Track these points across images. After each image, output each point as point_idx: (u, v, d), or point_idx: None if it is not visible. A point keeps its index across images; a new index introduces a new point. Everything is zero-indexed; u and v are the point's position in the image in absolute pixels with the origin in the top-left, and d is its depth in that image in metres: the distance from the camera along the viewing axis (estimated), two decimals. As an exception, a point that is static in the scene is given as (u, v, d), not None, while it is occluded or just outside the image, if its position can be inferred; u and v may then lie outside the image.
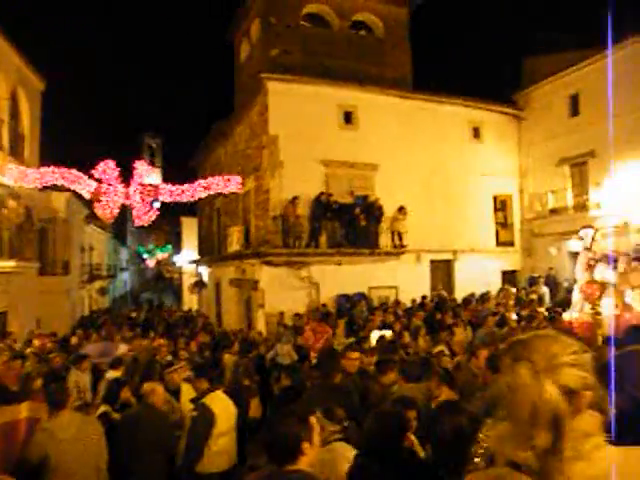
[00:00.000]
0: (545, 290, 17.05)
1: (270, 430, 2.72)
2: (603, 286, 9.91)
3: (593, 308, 9.80)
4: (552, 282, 18.00)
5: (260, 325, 16.50)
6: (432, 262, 19.20)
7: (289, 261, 16.72)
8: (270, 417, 5.86)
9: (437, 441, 2.80)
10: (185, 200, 16.36)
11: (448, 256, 19.53)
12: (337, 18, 20.29)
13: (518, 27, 36.98)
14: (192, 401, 5.71)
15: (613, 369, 1.99)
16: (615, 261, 10.74)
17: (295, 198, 16.46)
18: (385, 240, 17.76)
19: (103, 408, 6.27)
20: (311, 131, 17.49)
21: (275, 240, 16.77)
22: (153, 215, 15.68)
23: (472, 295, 16.89)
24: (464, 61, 32.68)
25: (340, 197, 17.26)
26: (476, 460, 1.68)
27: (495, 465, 1.36)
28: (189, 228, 35.83)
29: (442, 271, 19.60)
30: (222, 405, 5.44)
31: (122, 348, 10.47)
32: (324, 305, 16.22)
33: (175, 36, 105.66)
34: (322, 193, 16.79)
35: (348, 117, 18.53)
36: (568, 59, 19.33)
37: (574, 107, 19.82)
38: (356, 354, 6.10)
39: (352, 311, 15.35)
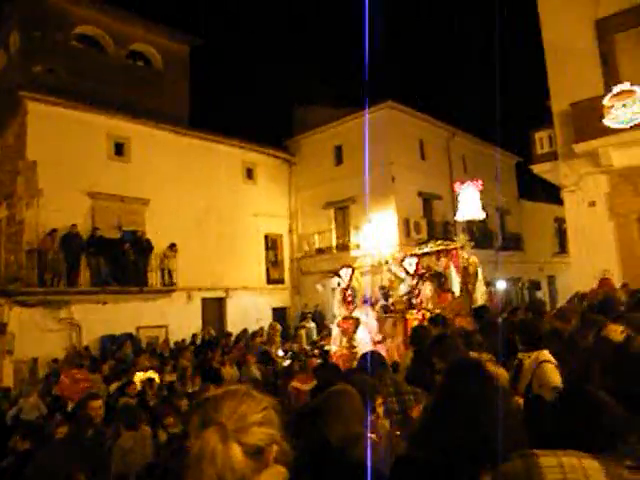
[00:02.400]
0: (313, 325, 17.98)
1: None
2: (357, 322, 10.78)
3: (349, 342, 10.59)
4: (319, 318, 19.10)
5: (6, 375, 14.38)
6: (204, 300, 18.97)
7: (46, 300, 14.99)
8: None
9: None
10: None
11: (220, 294, 19.52)
12: (113, 44, 19.37)
13: (293, 76, 39.68)
14: None
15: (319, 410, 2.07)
16: (371, 301, 11.82)
17: (54, 231, 14.95)
18: (155, 278, 17.05)
19: None
20: (77, 159, 16.12)
21: (30, 277, 14.92)
22: None
23: (244, 332, 17.04)
24: (242, 105, 33.82)
25: (107, 231, 16.15)
26: None
27: None
28: None
29: (214, 309, 19.47)
30: None
31: None
32: (86, 348, 14.83)
33: None
34: (73, 225, 15.38)
35: (119, 148, 17.58)
36: (335, 112, 21.27)
37: (339, 156, 21.78)
38: (97, 402, 5.43)
39: (117, 353, 14.29)
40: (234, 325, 18.60)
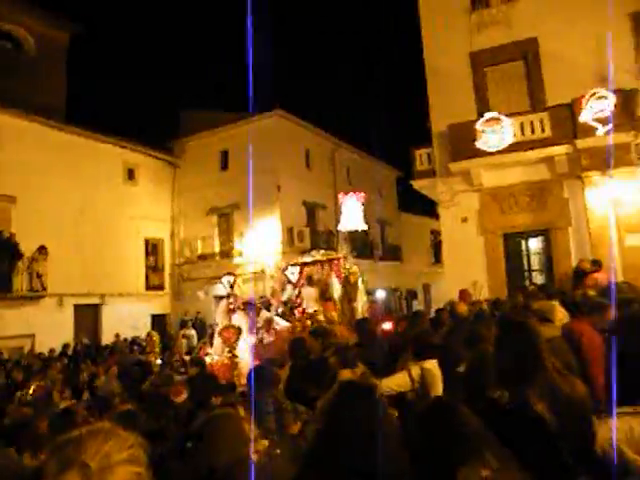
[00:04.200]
0: (193, 333, 17.58)
1: None
2: (239, 331, 10.69)
3: (230, 351, 10.46)
4: (200, 325, 18.73)
5: None
6: (77, 307, 17.83)
7: None
8: None
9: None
10: None
11: (95, 300, 18.48)
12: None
13: (181, 77, 38.73)
14: None
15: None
16: (254, 307, 11.77)
17: None
18: (21, 283, 15.75)
19: None
20: None
21: None
22: None
23: (117, 340, 16.27)
24: (127, 102, 32.40)
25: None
26: None
27: None
28: None
29: (88, 316, 18.37)
30: None
31: None
32: None
33: None
34: None
35: (-19, 139, 16.07)
36: (223, 117, 21.02)
37: (224, 162, 21.57)
38: None
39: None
40: (110, 333, 17.69)
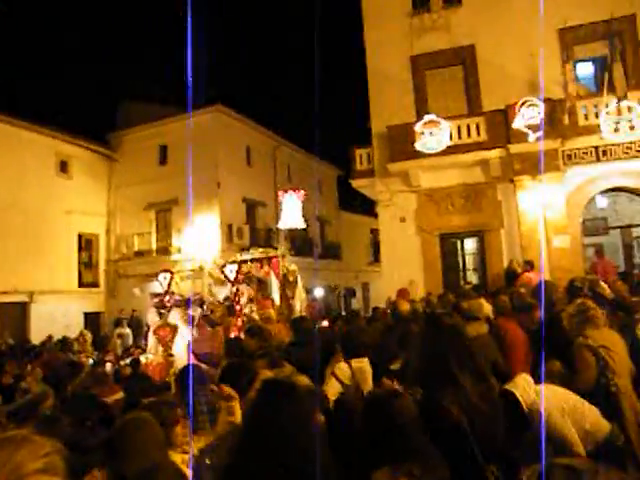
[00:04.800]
0: (128, 332, 17.11)
1: None
2: (175, 329, 10.49)
3: (165, 350, 10.26)
4: (136, 324, 18.23)
5: None
6: (2, 305, 16.94)
7: None
8: None
9: None
10: None
11: (23, 298, 17.65)
12: None
13: (120, 69, 37.55)
14: None
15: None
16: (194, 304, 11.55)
17: None
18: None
19: None
20: None
21: None
22: None
23: (48, 340, 15.57)
24: (62, 92, 31.01)
25: None
26: None
27: None
28: None
29: (15, 315, 17.52)
30: None
31: None
32: None
33: None
34: None
35: None
36: (163, 110, 20.50)
37: (163, 156, 21.09)
38: None
39: None
40: (40, 333, 16.84)
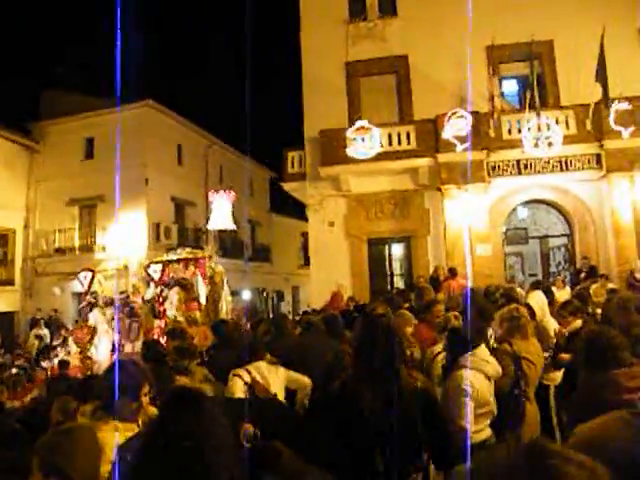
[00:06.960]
0: (46, 332, 16.30)
1: None
2: (94, 330, 10.08)
3: (82, 352, 9.83)
4: (54, 324, 17.37)
5: None
6: None
7: None
8: None
9: None
10: None
11: None
12: None
13: (43, 54, 35.63)
14: None
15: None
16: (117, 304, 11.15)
17: None
18: None
19: None
20: None
21: None
22: None
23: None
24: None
25: None
26: None
27: None
28: None
29: None
30: None
31: None
32: None
33: None
34: None
35: None
36: (90, 102, 19.57)
37: (89, 150, 20.26)
38: None
39: None
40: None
